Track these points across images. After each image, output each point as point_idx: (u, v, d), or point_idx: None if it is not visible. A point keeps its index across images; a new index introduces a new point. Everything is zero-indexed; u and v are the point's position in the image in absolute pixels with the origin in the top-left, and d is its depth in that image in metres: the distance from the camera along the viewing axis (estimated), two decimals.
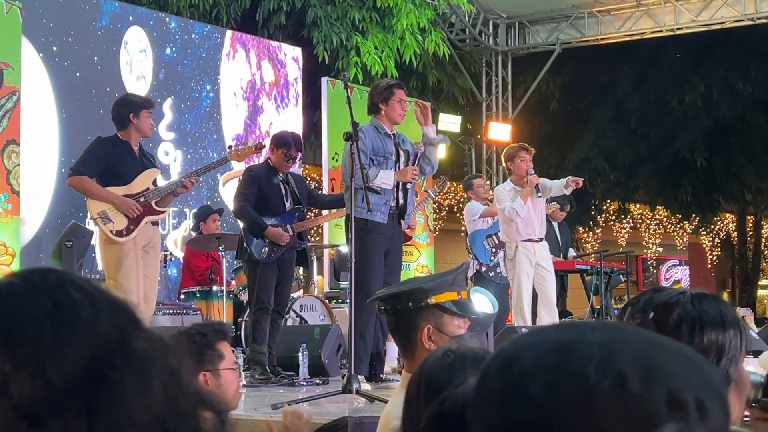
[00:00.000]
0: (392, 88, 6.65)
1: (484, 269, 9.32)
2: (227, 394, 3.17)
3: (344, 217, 6.80)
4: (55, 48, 9.31)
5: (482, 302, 4.05)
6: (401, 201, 6.67)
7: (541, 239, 8.22)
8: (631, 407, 0.80)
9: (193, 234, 9.41)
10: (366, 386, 5.91)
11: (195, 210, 9.86)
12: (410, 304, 2.86)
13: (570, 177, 8.27)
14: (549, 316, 8.11)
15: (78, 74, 9.46)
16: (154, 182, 6.70)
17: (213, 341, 3.21)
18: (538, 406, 0.81)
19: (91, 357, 0.97)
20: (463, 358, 1.89)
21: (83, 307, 1.01)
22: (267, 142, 7.69)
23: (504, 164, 8.60)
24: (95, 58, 9.64)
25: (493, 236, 9.22)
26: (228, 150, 7.26)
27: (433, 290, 2.90)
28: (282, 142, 7.14)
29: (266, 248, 6.95)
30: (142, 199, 6.53)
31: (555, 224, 10.41)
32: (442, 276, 3.04)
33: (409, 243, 11.71)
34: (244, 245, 6.99)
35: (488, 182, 14.57)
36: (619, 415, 0.79)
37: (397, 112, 6.64)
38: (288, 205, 7.18)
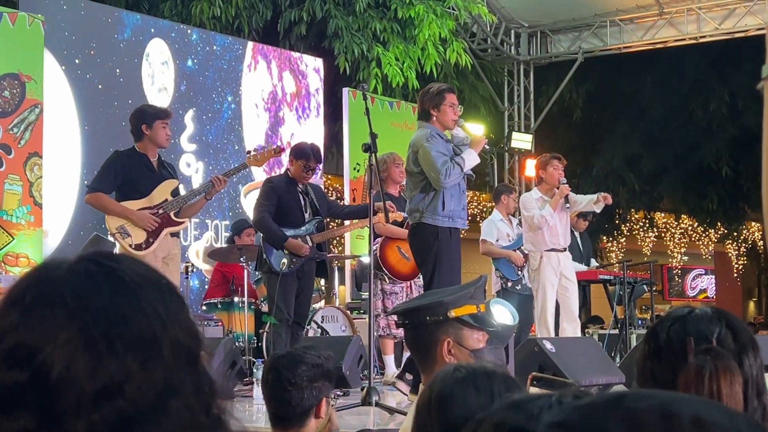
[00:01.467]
0: (443, 92, 6.45)
1: (509, 284, 9.24)
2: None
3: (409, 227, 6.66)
4: (77, 60, 9.35)
5: (502, 313, 4.01)
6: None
7: (565, 249, 8.18)
8: None
9: (225, 246, 9.40)
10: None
11: (227, 222, 9.88)
12: (429, 317, 2.83)
13: (600, 193, 8.25)
14: (571, 327, 8.06)
15: (100, 86, 9.50)
16: (173, 193, 6.70)
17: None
18: None
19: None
20: (474, 374, 1.87)
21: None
22: (288, 153, 7.68)
23: (534, 172, 8.54)
24: (117, 70, 9.68)
25: (517, 251, 9.15)
26: (247, 155, 7.25)
27: (453, 303, 2.88)
28: (301, 153, 7.14)
29: (285, 260, 6.94)
30: (160, 211, 6.53)
31: (577, 234, 10.34)
32: (461, 289, 3.01)
33: None
34: (264, 257, 6.99)
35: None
36: None
37: (449, 117, 6.45)
38: (307, 216, 7.18)
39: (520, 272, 9.22)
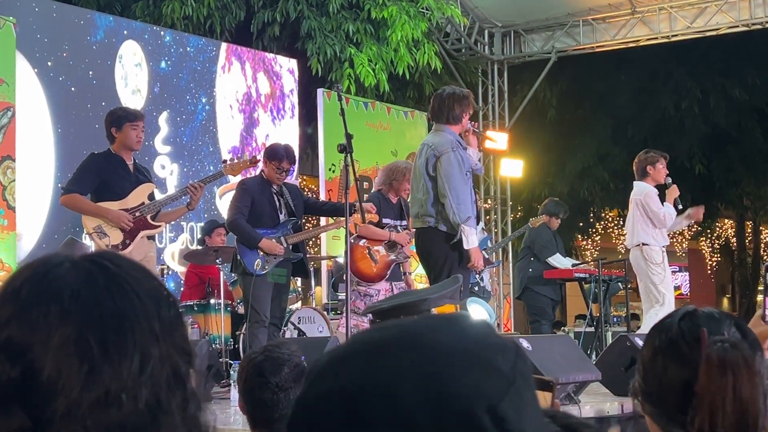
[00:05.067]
0: (469, 99, 6.62)
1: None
2: None
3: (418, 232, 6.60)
4: (49, 63, 9.30)
5: (479, 312, 4.04)
6: None
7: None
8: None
9: (199, 248, 9.38)
10: None
11: (202, 224, 9.85)
12: (415, 316, 2.83)
13: (692, 209, 8.68)
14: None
15: (73, 89, 9.45)
16: (150, 196, 6.69)
17: None
18: None
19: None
20: None
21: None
22: (261, 155, 7.68)
23: (637, 165, 8.53)
24: (90, 72, 9.63)
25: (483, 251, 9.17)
26: (223, 164, 7.26)
27: (435, 302, 2.89)
28: (274, 154, 7.12)
29: (260, 260, 6.93)
30: (137, 214, 6.52)
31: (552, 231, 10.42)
32: (441, 289, 3.02)
33: None
34: (239, 258, 6.97)
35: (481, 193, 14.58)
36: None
37: (465, 124, 6.60)
38: (282, 217, 7.17)
39: (477, 275, 9.24)
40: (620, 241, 25.01)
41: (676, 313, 1.86)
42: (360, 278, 7.80)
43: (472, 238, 6.25)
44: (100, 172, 6.50)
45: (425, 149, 6.49)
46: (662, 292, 8.11)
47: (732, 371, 1.65)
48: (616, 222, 24.24)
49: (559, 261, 10.00)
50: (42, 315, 0.93)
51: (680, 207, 8.43)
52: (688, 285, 27.80)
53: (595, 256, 21.46)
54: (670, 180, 8.36)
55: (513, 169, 14.27)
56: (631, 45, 14.16)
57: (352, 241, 7.93)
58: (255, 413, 3.07)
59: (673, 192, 8.31)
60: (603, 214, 22.90)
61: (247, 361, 3.16)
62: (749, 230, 25.55)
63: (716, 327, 1.77)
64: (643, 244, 8.19)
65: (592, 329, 9.74)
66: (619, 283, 10.55)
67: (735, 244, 25.57)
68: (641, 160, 8.36)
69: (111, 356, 0.92)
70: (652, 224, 8.16)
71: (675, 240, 25.12)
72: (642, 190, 8.29)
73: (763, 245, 27.04)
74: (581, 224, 20.90)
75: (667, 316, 1.86)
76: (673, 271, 24.60)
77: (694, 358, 1.71)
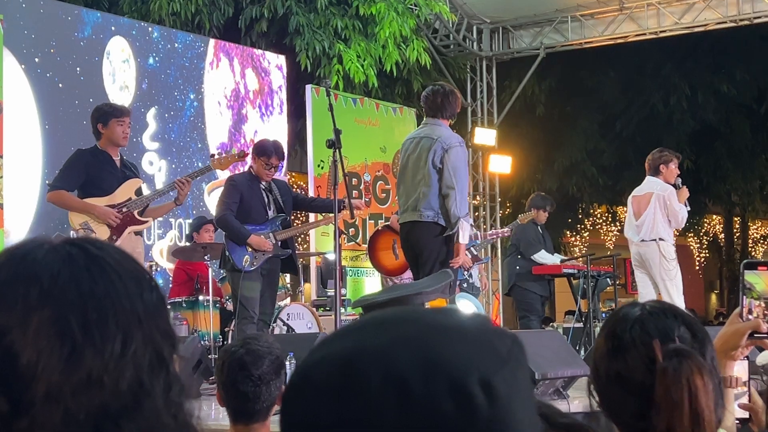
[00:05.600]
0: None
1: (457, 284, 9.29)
2: None
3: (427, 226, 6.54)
4: (37, 59, 9.26)
5: (468, 308, 4.04)
6: None
7: None
8: (418, 411, 0.77)
9: (188, 244, 9.35)
10: None
11: (191, 220, 9.83)
12: None
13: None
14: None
15: (61, 85, 9.42)
16: (137, 192, 6.67)
17: None
18: None
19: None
20: None
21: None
22: (250, 151, 7.66)
23: (650, 163, 8.58)
24: (78, 68, 9.60)
25: (471, 248, 9.19)
26: (211, 158, 7.22)
27: (429, 296, 2.88)
28: (262, 150, 7.10)
29: (248, 257, 6.91)
30: (124, 209, 6.50)
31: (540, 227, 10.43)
32: (436, 282, 3.00)
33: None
34: (227, 254, 6.96)
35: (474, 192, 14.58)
36: (408, 424, 0.77)
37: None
38: (271, 213, 7.15)
39: (466, 272, 9.26)
40: (608, 238, 25.08)
41: (626, 317, 1.87)
42: (378, 268, 7.83)
43: (466, 234, 6.27)
44: (87, 169, 6.48)
45: (430, 141, 6.48)
46: (671, 288, 8.22)
47: (688, 386, 1.72)
48: (604, 218, 24.30)
49: (545, 257, 10.00)
50: (21, 297, 0.92)
51: (688, 209, 8.59)
52: None
53: (583, 252, 21.51)
54: (680, 181, 8.47)
55: (502, 165, 14.27)
56: (619, 41, 14.17)
57: (380, 228, 7.94)
58: (236, 406, 3.08)
59: (684, 193, 8.43)
60: (591, 211, 22.94)
61: (228, 355, 3.15)
62: (737, 226, 25.63)
63: (666, 328, 1.82)
64: (660, 240, 8.31)
65: (580, 325, 9.75)
66: (608, 279, 10.57)
67: (723, 239, 25.65)
68: (655, 158, 8.43)
69: (93, 338, 0.91)
70: (668, 222, 8.27)
71: None
72: (665, 187, 8.40)
73: (751, 241, 27.13)
74: (570, 220, 20.94)
75: (617, 322, 1.88)
76: None
77: (647, 368, 1.77)
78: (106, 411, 0.91)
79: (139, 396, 0.93)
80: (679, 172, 8.48)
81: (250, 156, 7.31)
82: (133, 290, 0.96)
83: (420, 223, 6.38)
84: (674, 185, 8.45)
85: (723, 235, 25.80)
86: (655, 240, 8.32)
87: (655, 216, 8.35)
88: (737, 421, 2.18)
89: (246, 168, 7.74)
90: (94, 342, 0.91)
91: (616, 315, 1.91)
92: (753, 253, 27.91)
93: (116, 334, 0.93)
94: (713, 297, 29.79)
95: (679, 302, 8.08)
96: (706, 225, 25.96)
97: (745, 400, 2.18)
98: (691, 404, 1.70)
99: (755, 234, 27.40)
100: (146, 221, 6.73)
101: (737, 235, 25.76)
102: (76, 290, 0.93)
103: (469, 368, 0.78)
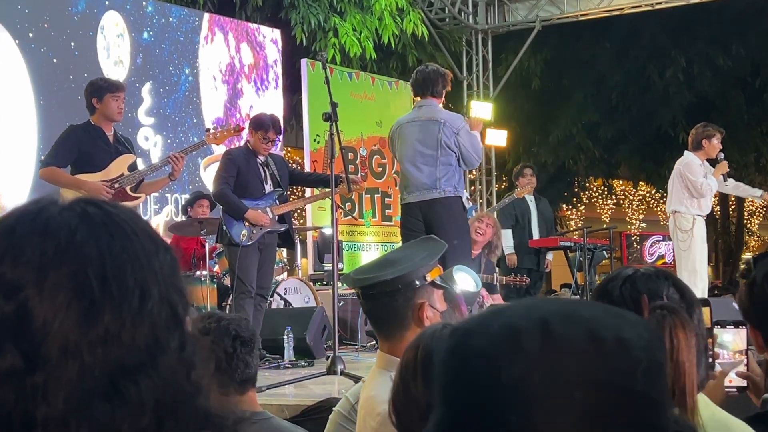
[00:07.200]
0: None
1: None
2: None
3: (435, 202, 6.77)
4: (31, 34, 9.22)
5: (465, 280, 4.03)
6: None
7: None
8: (556, 345, 0.88)
9: (184, 218, 9.34)
10: None
11: (187, 195, 9.81)
12: (403, 284, 2.78)
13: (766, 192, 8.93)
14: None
15: (55, 60, 9.38)
16: (130, 167, 6.63)
17: None
18: (482, 361, 0.91)
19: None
20: None
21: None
22: (247, 125, 7.63)
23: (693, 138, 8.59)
24: (72, 43, 9.55)
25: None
26: (206, 133, 7.20)
27: (429, 267, 2.86)
28: (260, 124, 7.07)
29: (245, 231, 6.90)
30: (116, 185, 6.47)
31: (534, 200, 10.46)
32: (432, 254, 2.96)
33: (392, 224, 11.70)
34: (224, 229, 6.95)
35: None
36: (547, 355, 0.88)
37: None
38: (268, 187, 7.14)
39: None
40: (605, 211, 25.11)
41: (617, 278, 1.97)
42: None
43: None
44: (79, 145, 6.44)
45: (437, 125, 6.69)
46: (684, 260, 8.29)
47: (670, 337, 1.75)
48: (600, 191, 24.29)
49: (507, 237, 9.89)
50: (37, 253, 0.91)
51: (727, 184, 8.71)
52: (672, 254, 27.90)
53: (579, 225, 21.53)
54: (722, 155, 8.49)
55: (498, 138, 14.25)
56: (615, 13, 14.13)
57: None
58: (240, 375, 3.01)
59: (722, 167, 8.47)
60: (587, 184, 22.94)
61: (220, 326, 3.04)
62: (732, 198, 25.64)
63: (656, 289, 1.91)
64: (675, 212, 8.40)
65: (577, 297, 9.78)
66: (604, 252, 10.60)
67: (718, 212, 25.65)
68: (698, 133, 8.47)
69: (112, 294, 0.91)
70: (689, 193, 8.30)
71: (659, 209, 25.22)
72: (684, 159, 8.48)
73: (746, 213, 27.16)
74: (566, 194, 20.94)
75: (609, 280, 1.97)
76: (657, 241, 24.67)
77: None
78: (122, 367, 0.91)
79: (155, 352, 0.92)
80: (721, 147, 8.50)
81: (246, 130, 7.28)
82: (150, 248, 0.96)
83: (443, 199, 6.64)
84: (716, 159, 8.48)
85: (719, 207, 25.81)
86: (672, 213, 8.47)
87: (673, 189, 8.47)
88: (735, 390, 2.20)
89: (242, 142, 7.72)
90: (113, 298, 0.91)
91: (609, 275, 2.01)
92: (749, 225, 27.95)
93: (134, 290, 0.92)
94: (709, 270, 29.87)
95: (690, 274, 8.18)
96: None
97: (743, 368, 2.19)
98: (672, 355, 1.73)
99: (750, 206, 27.43)
100: (139, 197, 6.69)
101: (733, 207, 25.78)
102: (95, 246, 0.92)
103: (605, 325, 0.92)
